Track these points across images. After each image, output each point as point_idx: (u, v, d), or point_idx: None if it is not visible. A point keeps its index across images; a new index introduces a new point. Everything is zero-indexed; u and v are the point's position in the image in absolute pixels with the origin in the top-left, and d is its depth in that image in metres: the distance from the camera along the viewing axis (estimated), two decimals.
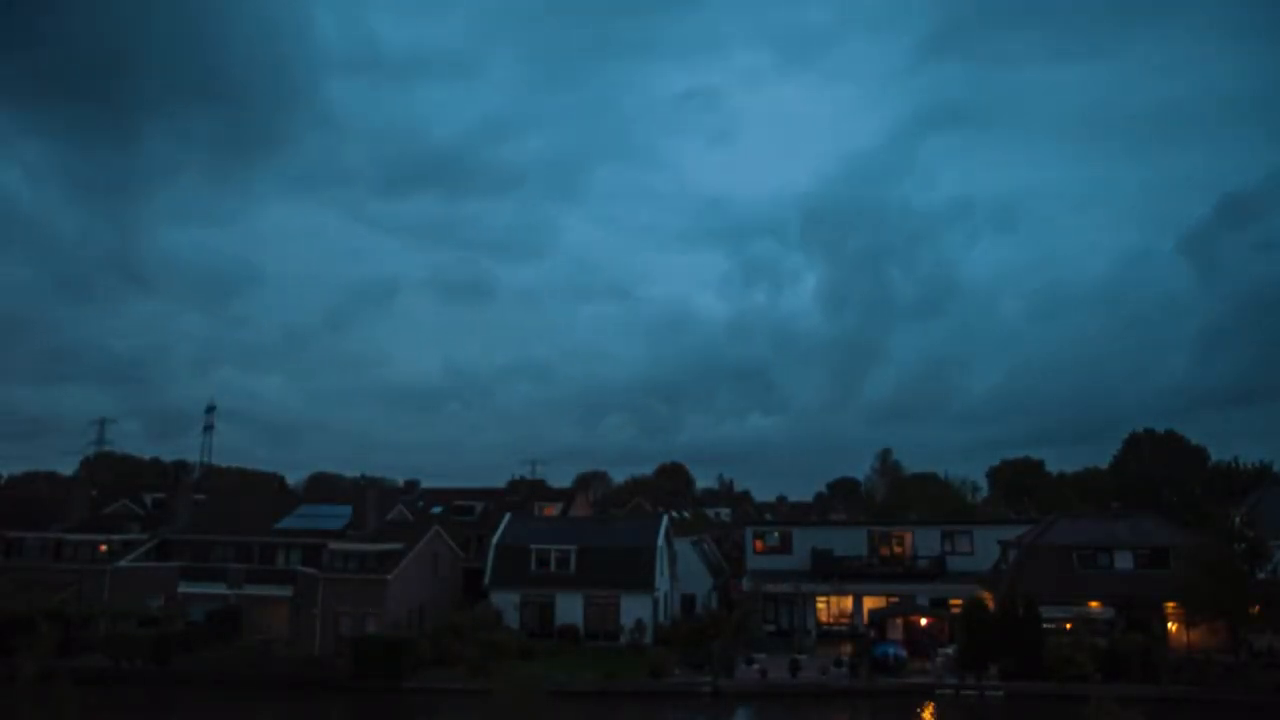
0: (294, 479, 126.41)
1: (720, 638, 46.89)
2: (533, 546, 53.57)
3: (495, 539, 55.10)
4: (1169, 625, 44.51)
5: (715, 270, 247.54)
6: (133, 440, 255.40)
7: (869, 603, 52.38)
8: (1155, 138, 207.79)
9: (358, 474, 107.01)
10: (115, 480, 79.80)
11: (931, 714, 38.13)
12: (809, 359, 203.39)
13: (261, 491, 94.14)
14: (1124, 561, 46.96)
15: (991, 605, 43.56)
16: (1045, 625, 42.35)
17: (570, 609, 51.56)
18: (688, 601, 59.47)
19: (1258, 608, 40.38)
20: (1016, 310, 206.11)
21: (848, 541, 56.50)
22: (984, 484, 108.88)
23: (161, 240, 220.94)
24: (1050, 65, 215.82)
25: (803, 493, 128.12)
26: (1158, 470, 75.02)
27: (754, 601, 54.18)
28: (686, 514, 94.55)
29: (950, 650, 43.95)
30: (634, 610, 50.93)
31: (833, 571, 54.35)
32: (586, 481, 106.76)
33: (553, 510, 70.08)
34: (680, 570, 59.43)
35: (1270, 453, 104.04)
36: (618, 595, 51.45)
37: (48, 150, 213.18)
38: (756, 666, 43.51)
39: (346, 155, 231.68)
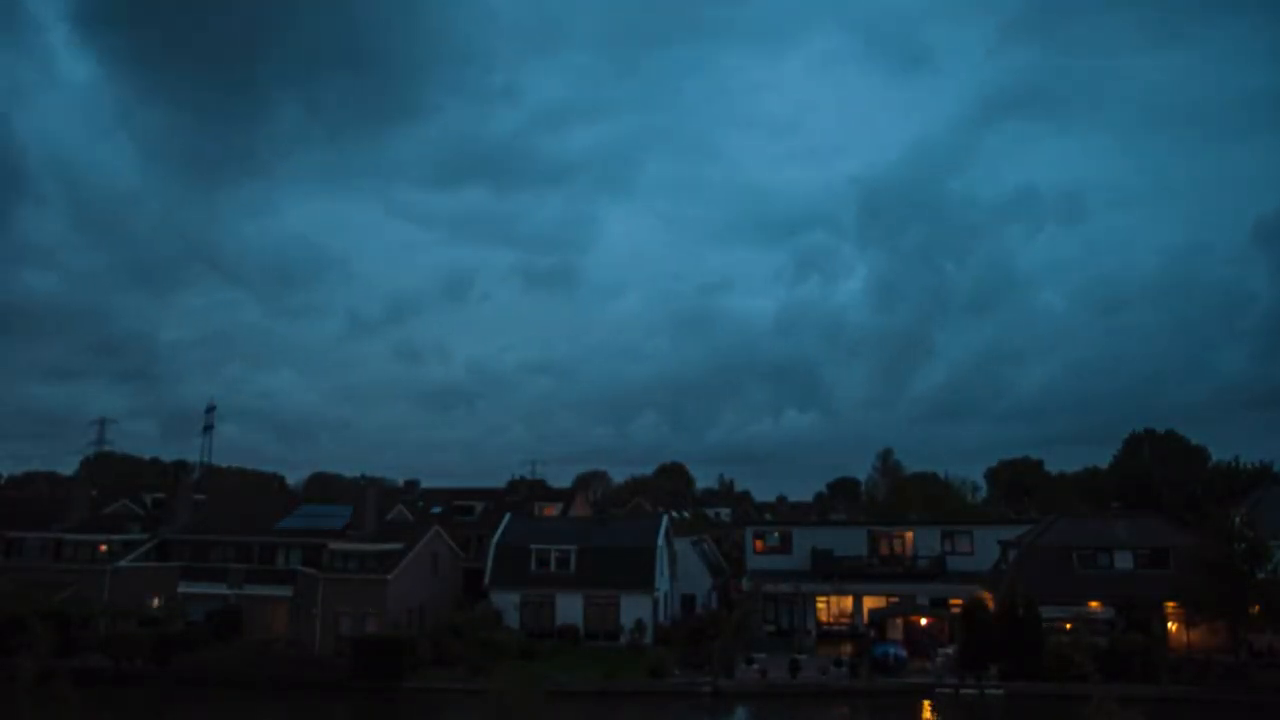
0: (294, 479, 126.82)
1: (720, 638, 46.84)
2: (533, 546, 53.61)
3: (495, 539, 55.13)
4: (1169, 625, 44.52)
5: (761, 265, 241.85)
6: (145, 442, 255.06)
7: (869, 603, 52.36)
8: (1231, 129, 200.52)
9: (358, 474, 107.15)
10: (115, 480, 79.64)
11: (931, 714, 38.16)
12: (855, 354, 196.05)
13: (262, 492, 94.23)
14: (1124, 561, 46.92)
15: (991, 605, 43.57)
16: (1045, 625, 42.32)
17: (570, 609, 51.59)
18: (688, 601, 59.50)
19: (1258, 608, 40.37)
20: (1069, 305, 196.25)
21: (848, 541, 56.46)
22: (983, 484, 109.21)
23: (241, 228, 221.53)
24: (1129, 53, 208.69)
25: (803, 493, 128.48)
26: (1158, 470, 74.92)
27: (754, 601, 54.16)
28: (686, 514, 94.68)
29: (950, 650, 43.97)
30: (634, 610, 50.96)
31: (833, 571, 54.32)
32: (586, 481, 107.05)
33: (553, 510, 70.09)
34: (680, 570, 59.45)
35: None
36: (618, 595, 51.48)
37: (166, 121, 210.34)
38: (756, 666, 43.50)
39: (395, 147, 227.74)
